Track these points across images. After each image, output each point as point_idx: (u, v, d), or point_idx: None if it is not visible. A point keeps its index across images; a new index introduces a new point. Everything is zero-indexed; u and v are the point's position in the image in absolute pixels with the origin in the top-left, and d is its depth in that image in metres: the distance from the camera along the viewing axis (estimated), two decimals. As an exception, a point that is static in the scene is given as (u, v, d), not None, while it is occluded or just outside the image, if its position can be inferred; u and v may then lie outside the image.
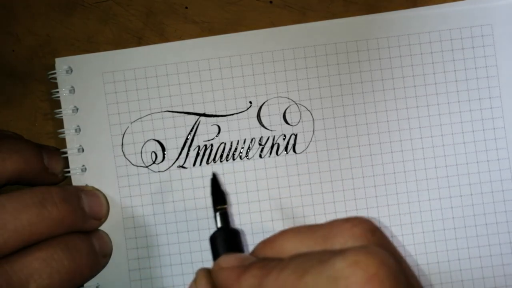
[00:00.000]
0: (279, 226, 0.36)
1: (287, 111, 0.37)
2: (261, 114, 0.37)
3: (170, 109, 0.37)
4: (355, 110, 0.37)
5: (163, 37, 0.37)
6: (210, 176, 0.33)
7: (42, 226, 0.31)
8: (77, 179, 0.37)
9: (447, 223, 0.36)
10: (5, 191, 0.33)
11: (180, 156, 0.37)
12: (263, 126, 0.37)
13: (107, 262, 0.36)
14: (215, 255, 0.29)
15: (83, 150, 0.37)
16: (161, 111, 0.37)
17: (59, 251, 0.32)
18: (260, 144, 0.37)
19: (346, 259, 0.21)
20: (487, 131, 0.37)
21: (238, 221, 0.36)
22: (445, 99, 0.37)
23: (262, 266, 0.25)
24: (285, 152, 0.37)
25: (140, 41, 0.38)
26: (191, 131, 0.37)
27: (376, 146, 0.37)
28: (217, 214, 0.31)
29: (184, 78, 0.37)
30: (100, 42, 0.38)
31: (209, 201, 0.36)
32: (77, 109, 0.37)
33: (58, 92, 0.37)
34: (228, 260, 0.27)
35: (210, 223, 0.37)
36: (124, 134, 0.37)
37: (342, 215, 0.37)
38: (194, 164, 0.37)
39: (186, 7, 0.38)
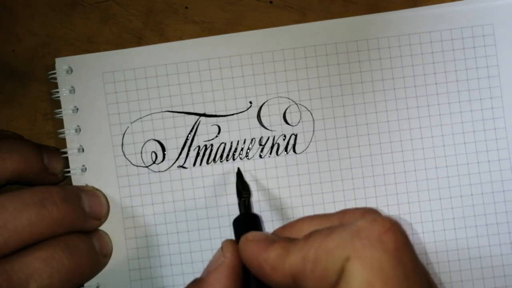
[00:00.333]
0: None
1: (287, 111, 0.37)
2: (261, 114, 0.37)
3: (170, 109, 0.37)
4: (355, 110, 0.37)
5: (163, 37, 0.37)
6: (235, 170, 0.36)
7: (42, 225, 0.31)
8: (77, 179, 0.37)
9: (447, 223, 0.36)
10: (5, 191, 0.33)
11: (180, 156, 0.37)
12: (263, 126, 0.37)
13: (107, 262, 0.36)
14: (238, 236, 0.31)
15: (83, 150, 0.37)
16: (161, 111, 0.37)
17: (59, 250, 0.32)
18: (260, 144, 0.37)
19: (365, 218, 0.25)
20: (488, 131, 0.37)
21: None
22: (446, 99, 0.37)
23: (288, 240, 0.27)
24: (285, 152, 0.37)
25: (140, 41, 0.38)
26: (191, 131, 0.37)
27: (376, 146, 0.37)
28: (241, 201, 0.34)
29: (184, 78, 0.37)
30: (100, 42, 0.38)
31: (209, 201, 0.37)
32: (77, 109, 0.37)
33: (58, 92, 0.37)
34: (255, 234, 0.29)
35: (210, 223, 0.37)
36: (124, 134, 0.37)
37: (342, 215, 0.36)
38: (194, 164, 0.37)
39: (186, 7, 0.38)
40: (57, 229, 0.32)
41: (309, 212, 0.36)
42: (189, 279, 0.31)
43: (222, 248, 0.30)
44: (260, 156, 0.37)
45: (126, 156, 0.37)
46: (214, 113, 0.37)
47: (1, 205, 0.31)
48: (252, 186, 0.36)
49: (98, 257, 0.35)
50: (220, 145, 0.37)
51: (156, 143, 0.37)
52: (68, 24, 0.38)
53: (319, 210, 0.36)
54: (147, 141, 0.37)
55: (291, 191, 0.37)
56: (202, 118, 0.37)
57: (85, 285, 0.36)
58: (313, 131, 0.37)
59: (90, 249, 0.34)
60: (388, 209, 0.36)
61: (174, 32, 0.37)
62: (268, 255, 0.26)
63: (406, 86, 0.37)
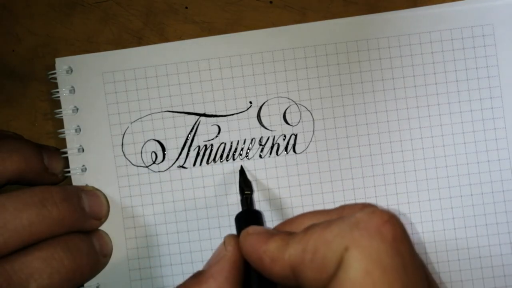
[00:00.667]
0: (279, 226, 0.36)
1: (287, 111, 0.37)
2: (261, 114, 0.37)
3: (170, 109, 0.37)
4: (355, 110, 0.37)
5: (163, 37, 0.37)
6: (239, 168, 0.36)
7: (42, 225, 0.31)
8: (77, 179, 0.37)
9: (447, 223, 0.36)
10: (5, 191, 0.33)
11: (180, 156, 0.37)
12: (263, 126, 0.37)
13: (107, 262, 0.36)
14: (239, 232, 0.31)
15: (83, 150, 0.37)
16: (161, 111, 0.37)
17: (60, 250, 0.32)
18: (260, 144, 0.37)
19: (364, 211, 0.25)
20: (488, 131, 0.37)
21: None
22: (446, 99, 0.37)
23: (288, 233, 0.27)
24: (285, 152, 0.37)
25: (140, 41, 0.38)
26: (191, 131, 0.37)
27: (376, 146, 0.37)
28: (243, 197, 0.34)
29: (184, 78, 0.37)
30: (100, 42, 0.38)
31: (209, 201, 0.37)
32: (77, 109, 0.37)
33: (58, 92, 0.37)
34: (256, 228, 0.29)
35: (210, 223, 0.37)
36: (124, 134, 0.37)
37: (342, 215, 0.36)
38: (194, 164, 0.37)
39: (186, 7, 0.38)
40: (57, 229, 0.32)
41: (309, 212, 0.36)
42: (189, 279, 0.31)
43: (224, 242, 0.30)
44: (260, 156, 0.37)
45: (126, 156, 0.37)
46: (214, 113, 0.37)
47: (1, 205, 0.31)
48: (252, 186, 0.36)
49: (98, 257, 0.35)
50: (220, 145, 0.37)
51: (156, 143, 0.37)
52: (68, 24, 0.38)
53: (319, 210, 0.36)
54: (147, 141, 0.37)
55: (291, 191, 0.37)
56: (202, 118, 0.37)
57: (85, 285, 0.36)
58: (313, 131, 0.37)
59: (90, 249, 0.34)
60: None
61: (174, 32, 0.37)
62: (268, 247, 0.27)
63: (406, 86, 0.37)
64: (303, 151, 0.37)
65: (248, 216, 0.33)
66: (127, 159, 0.37)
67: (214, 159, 0.37)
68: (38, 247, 0.32)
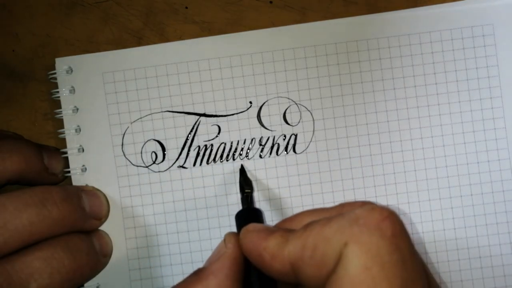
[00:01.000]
0: (279, 226, 0.36)
1: (287, 111, 0.37)
2: (261, 114, 0.37)
3: (170, 109, 0.37)
4: (355, 110, 0.37)
5: (163, 37, 0.37)
6: (239, 168, 0.37)
7: (42, 225, 0.31)
8: (77, 179, 0.37)
9: (447, 223, 0.36)
10: (5, 191, 0.33)
11: (180, 156, 0.37)
12: (263, 126, 0.37)
13: (107, 262, 0.36)
14: (240, 229, 0.31)
15: (83, 150, 0.37)
16: (161, 111, 0.37)
17: (60, 250, 0.32)
18: (260, 144, 0.37)
19: (364, 207, 0.25)
20: (488, 131, 0.37)
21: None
22: (446, 99, 0.37)
23: (288, 230, 0.27)
24: (285, 152, 0.37)
25: (140, 41, 0.38)
26: (191, 131, 0.37)
27: (376, 146, 0.37)
28: (244, 196, 0.34)
29: (184, 78, 0.37)
30: (100, 42, 0.38)
31: (209, 201, 0.37)
32: (77, 109, 0.37)
33: (58, 92, 0.37)
34: (256, 225, 0.29)
35: (210, 223, 0.37)
36: (124, 134, 0.37)
37: (342, 215, 0.36)
38: (194, 164, 0.37)
39: (186, 7, 0.38)
40: (57, 229, 0.32)
41: (309, 212, 0.36)
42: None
43: (224, 239, 0.30)
44: (260, 156, 0.37)
45: (126, 156, 0.37)
46: (214, 113, 0.37)
47: (2, 205, 0.31)
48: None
49: (98, 257, 0.35)
50: (220, 145, 0.37)
51: (156, 143, 0.37)
52: (68, 24, 0.38)
53: (319, 210, 0.36)
54: (147, 141, 0.37)
55: (291, 191, 0.37)
56: (202, 118, 0.37)
57: (85, 285, 0.36)
58: (313, 131, 0.37)
59: (90, 249, 0.34)
60: (388, 209, 0.36)
61: (174, 32, 0.37)
62: (268, 244, 0.27)
63: (406, 86, 0.37)
64: (303, 151, 0.37)
65: (248, 214, 0.33)
66: (127, 159, 0.37)
67: (214, 159, 0.37)
68: (38, 247, 0.32)
